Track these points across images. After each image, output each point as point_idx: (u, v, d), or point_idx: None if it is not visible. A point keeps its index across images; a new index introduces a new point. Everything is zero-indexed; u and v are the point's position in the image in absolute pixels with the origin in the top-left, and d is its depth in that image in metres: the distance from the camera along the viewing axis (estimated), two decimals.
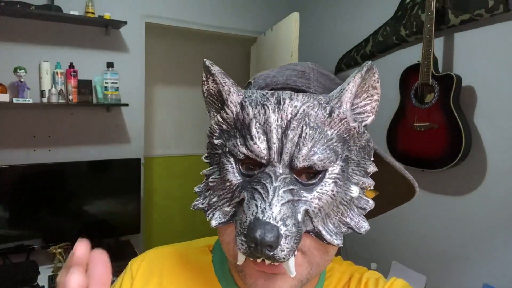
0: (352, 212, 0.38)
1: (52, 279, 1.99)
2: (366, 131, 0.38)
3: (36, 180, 2.11)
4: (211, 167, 0.42)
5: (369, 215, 0.48)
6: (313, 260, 0.39)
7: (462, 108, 1.64)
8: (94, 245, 0.39)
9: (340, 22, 2.49)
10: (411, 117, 1.76)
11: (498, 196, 1.59)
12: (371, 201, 0.39)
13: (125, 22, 2.21)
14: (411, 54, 1.91)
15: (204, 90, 0.41)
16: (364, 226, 0.38)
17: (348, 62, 2.38)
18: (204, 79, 0.41)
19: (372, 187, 0.39)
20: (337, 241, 0.37)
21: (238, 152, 0.37)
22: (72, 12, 2.10)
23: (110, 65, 2.23)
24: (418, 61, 1.71)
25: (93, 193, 2.27)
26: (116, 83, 2.24)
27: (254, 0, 2.83)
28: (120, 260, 2.17)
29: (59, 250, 2.10)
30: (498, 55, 1.57)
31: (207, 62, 0.40)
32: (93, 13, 2.18)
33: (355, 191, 0.38)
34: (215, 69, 0.40)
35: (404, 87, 1.83)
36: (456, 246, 1.76)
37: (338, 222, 0.38)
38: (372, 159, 0.39)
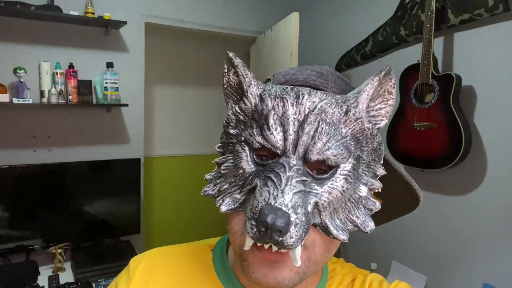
0: (359, 211, 0.39)
1: (52, 279, 1.99)
2: (378, 134, 0.39)
3: (36, 180, 2.11)
4: (223, 156, 0.42)
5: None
6: (312, 256, 0.40)
7: (462, 108, 1.64)
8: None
9: (340, 22, 2.49)
10: (411, 117, 1.76)
11: (498, 195, 1.59)
12: (377, 203, 0.39)
13: (125, 22, 2.21)
14: (411, 54, 1.91)
15: (225, 81, 0.42)
16: (370, 225, 0.39)
17: (348, 62, 2.38)
18: (226, 70, 0.42)
19: (380, 190, 0.40)
20: (343, 236, 0.37)
21: (254, 141, 0.37)
22: (72, 12, 2.09)
23: (110, 65, 2.23)
24: (418, 61, 1.71)
25: (93, 193, 2.27)
26: (116, 83, 2.24)
27: (254, 0, 2.83)
28: (120, 260, 2.18)
29: (59, 250, 2.10)
30: (498, 54, 1.58)
31: (231, 54, 0.41)
32: (93, 13, 2.18)
33: (363, 190, 0.39)
34: (237, 61, 0.41)
35: (404, 87, 1.83)
36: (456, 246, 1.77)
37: (345, 219, 0.38)
38: (382, 162, 0.40)
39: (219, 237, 0.56)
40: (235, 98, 0.42)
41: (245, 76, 0.40)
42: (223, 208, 0.40)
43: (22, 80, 1.99)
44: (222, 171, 0.41)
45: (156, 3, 2.48)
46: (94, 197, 2.27)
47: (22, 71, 1.98)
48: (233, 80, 0.42)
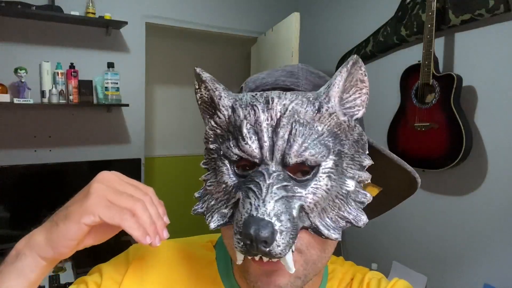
0: (349, 206, 0.38)
1: (52, 279, 1.99)
2: (358, 125, 0.38)
3: (37, 180, 2.12)
4: (208, 172, 0.42)
5: (376, 212, 0.48)
6: (309, 258, 0.40)
7: (463, 108, 1.64)
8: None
9: (340, 22, 2.49)
10: (412, 117, 1.76)
11: (498, 196, 1.59)
12: (368, 194, 0.39)
13: (126, 23, 2.21)
14: (412, 54, 1.91)
15: (198, 98, 0.42)
16: (362, 219, 0.38)
17: None
18: (197, 87, 0.42)
19: (369, 180, 0.39)
20: (335, 235, 0.37)
21: (232, 154, 0.37)
22: (72, 13, 2.10)
23: (110, 65, 2.23)
24: (419, 61, 1.71)
25: None
26: (116, 83, 2.24)
27: (255, 0, 2.83)
28: None
29: None
30: (499, 55, 1.57)
31: (198, 70, 0.41)
32: (93, 13, 2.18)
33: (351, 185, 0.38)
34: (205, 75, 0.40)
35: (404, 87, 1.82)
36: (457, 246, 1.76)
37: (336, 217, 0.38)
38: (367, 152, 0.39)
39: (219, 233, 0.56)
40: (210, 113, 0.42)
41: (214, 90, 0.40)
42: (212, 225, 0.39)
43: (23, 80, 2.00)
44: (208, 188, 0.41)
45: (157, 3, 2.48)
46: None
47: (23, 71, 1.98)
48: (206, 95, 0.42)
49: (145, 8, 2.44)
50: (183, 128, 3.45)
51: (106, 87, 2.22)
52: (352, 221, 0.38)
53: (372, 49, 2.18)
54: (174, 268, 0.51)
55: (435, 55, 1.66)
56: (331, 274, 0.53)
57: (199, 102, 0.42)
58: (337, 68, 2.46)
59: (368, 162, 0.39)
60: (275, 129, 0.35)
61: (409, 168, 0.45)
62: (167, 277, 0.50)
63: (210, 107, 0.42)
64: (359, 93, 0.39)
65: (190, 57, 3.38)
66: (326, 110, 0.36)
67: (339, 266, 0.54)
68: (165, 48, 3.27)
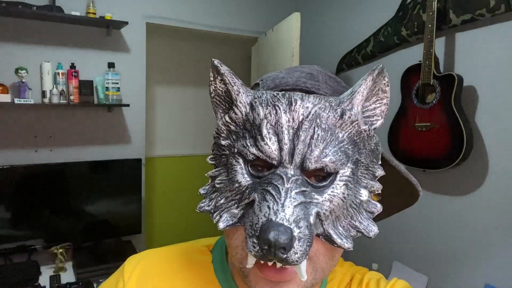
0: (361, 216, 0.38)
1: (53, 279, 2.00)
2: (375, 135, 0.38)
3: (38, 180, 2.12)
4: (217, 169, 0.41)
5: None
6: (318, 265, 0.39)
7: (464, 108, 1.64)
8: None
9: (341, 22, 2.49)
10: (412, 117, 1.76)
11: (499, 196, 1.58)
12: (379, 205, 0.39)
13: (126, 23, 2.21)
14: (412, 54, 1.91)
15: (211, 90, 0.41)
16: (373, 230, 0.38)
17: (349, 62, 2.38)
18: (212, 78, 0.40)
19: (380, 191, 0.39)
20: (348, 244, 0.36)
21: (248, 153, 0.36)
22: (73, 13, 2.10)
23: (111, 65, 2.23)
24: (419, 61, 1.71)
25: (94, 194, 2.27)
26: (117, 83, 2.24)
27: (255, 0, 2.83)
28: (121, 260, 2.17)
29: (61, 250, 2.10)
30: (500, 55, 1.57)
31: (216, 61, 0.39)
32: (94, 13, 2.18)
33: (364, 194, 0.37)
34: (224, 68, 0.39)
35: (405, 87, 1.82)
36: (458, 246, 1.76)
37: (348, 226, 0.37)
38: (380, 162, 0.39)
39: (217, 236, 0.56)
40: (224, 107, 0.40)
41: (233, 84, 0.38)
42: (221, 225, 0.38)
43: (23, 80, 2.00)
44: (217, 185, 0.40)
45: (157, 3, 2.48)
46: (95, 197, 2.27)
47: (24, 71, 1.99)
48: (221, 88, 0.40)
49: (146, 8, 2.44)
50: (183, 128, 3.45)
51: (106, 87, 2.22)
52: (363, 231, 0.37)
53: (373, 49, 2.18)
54: (170, 275, 0.50)
55: (436, 55, 1.66)
56: (331, 275, 0.52)
57: (212, 95, 0.41)
58: (337, 68, 2.46)
59: (380, 172, 0.38)
60: (296, 132, 0.35)
61: (414, 180, 0.45)
62: (163, 285, 0.49)
63: (224, 101, 0.40)
64: (379, 103, 0.39)
65: (190, 57, 3.38)
66: (349, 117, 0.36)
67: (338, 267, 0.54)
68: (165, 48, 3.27)
